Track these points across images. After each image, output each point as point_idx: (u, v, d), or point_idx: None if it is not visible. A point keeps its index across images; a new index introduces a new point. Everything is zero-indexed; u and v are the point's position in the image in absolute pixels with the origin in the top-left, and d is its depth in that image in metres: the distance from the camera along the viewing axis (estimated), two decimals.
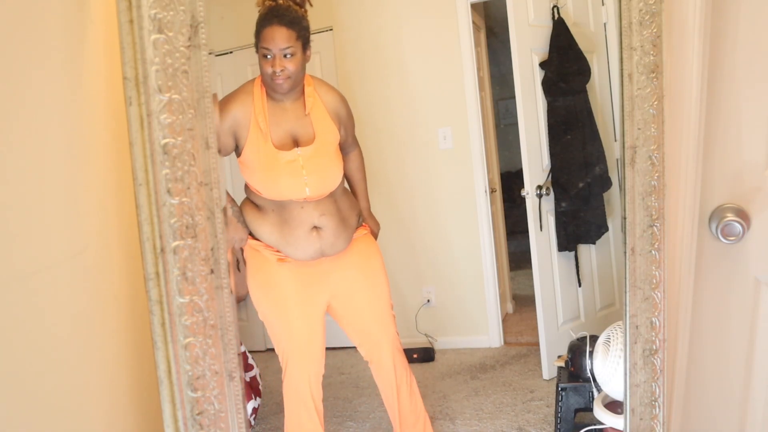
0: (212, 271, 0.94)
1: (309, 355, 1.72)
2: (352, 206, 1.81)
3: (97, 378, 1.02)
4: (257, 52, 1.61)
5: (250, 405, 2.15)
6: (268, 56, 1.56)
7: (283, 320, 1.71)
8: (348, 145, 1.83)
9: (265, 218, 1.69)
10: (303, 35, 1.60)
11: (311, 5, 1.67)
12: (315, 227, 1.67)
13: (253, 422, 2.20)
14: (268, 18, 1.56)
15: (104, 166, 1.06)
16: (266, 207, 1.68)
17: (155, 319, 0.91)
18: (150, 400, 1.10)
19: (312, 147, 1.64)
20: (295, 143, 1.64)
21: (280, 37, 1.55)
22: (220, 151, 1.64)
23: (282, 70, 1.56)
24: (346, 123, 1.77)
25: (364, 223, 1.87)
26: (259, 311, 1.74)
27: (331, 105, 1.71)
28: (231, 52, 2.71)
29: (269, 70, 1.57)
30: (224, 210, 1.26)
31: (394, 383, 1.85)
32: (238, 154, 1.66)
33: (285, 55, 1.56)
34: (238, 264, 2.42)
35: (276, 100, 1.65)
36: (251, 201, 1.72)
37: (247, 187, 1.72)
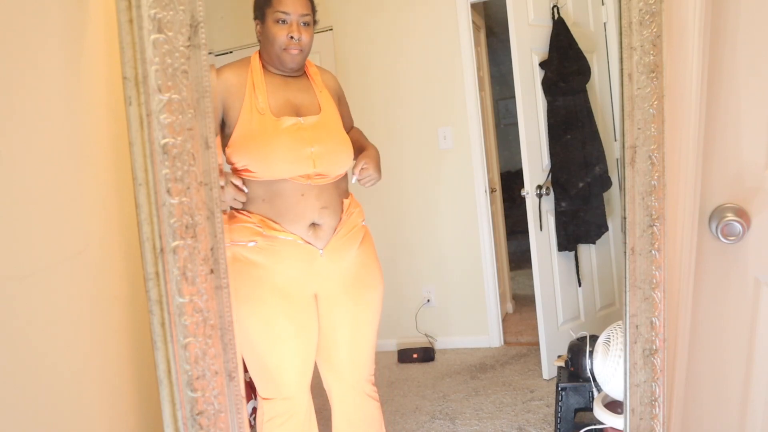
0: (212, 271, 0.94)
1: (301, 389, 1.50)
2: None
3: (97, 378, 1.02)
4: (262, 20, 1.44)
5: (250, 405, 2.15)
6: (285, 21, 1.40)
7: (273, 347, 1.46)
8: (347, 129, 1.63)
9: (253, 212, 1.40)
10: (315, 13, 1.48)
11: None
12: (313, 224, 1.41)
13: (253, 422, 2.20)
14: None
15: (104, 166, 1.06)
16: (256, 198, 1.39)
17: (155, 319, 0.91)
18: (150, 400, 1.10)
19: (318, 116, 1.45)
20: (297, 114, 1.44)
21: (300, 2, 1.41)
22: None
23: (299, 39, 1.41)
24: (343, 105, 1.62)
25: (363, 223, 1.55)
26: (241, 329, 1.40)
27: (330, 84, 1.57)
28: (231, 52, 2.72)
29: (283, 37, 1.40)
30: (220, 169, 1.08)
31: None
32: (227, 134, 1.41)
33: (303, 23, 1.42)
34: None
35: (274, 73, 1.47)
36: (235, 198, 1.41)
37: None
